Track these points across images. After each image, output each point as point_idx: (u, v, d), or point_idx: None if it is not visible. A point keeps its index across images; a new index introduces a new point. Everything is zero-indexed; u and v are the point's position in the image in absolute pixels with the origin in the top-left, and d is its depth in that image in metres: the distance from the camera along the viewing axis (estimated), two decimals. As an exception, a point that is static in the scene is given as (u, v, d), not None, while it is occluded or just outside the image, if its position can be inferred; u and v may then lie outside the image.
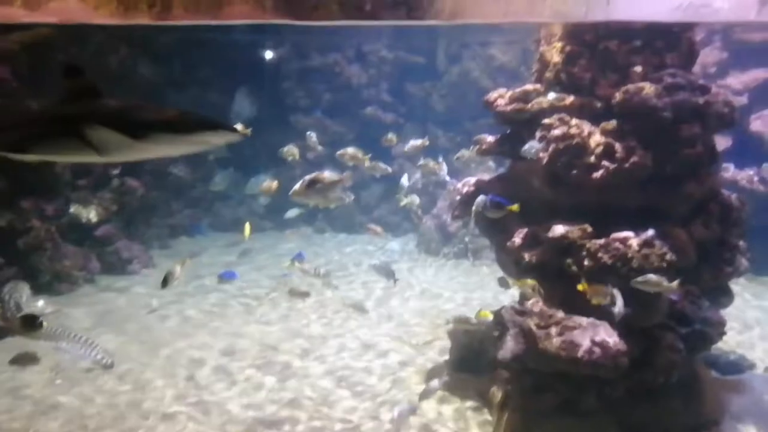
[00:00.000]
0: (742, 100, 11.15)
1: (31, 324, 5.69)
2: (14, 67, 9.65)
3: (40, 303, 8.27)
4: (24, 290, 6.90)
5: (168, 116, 3.44)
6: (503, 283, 7.23)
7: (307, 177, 6.08)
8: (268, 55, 15.18)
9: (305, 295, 8.85)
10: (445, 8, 6.42)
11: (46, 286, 9.69)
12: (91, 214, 10.75)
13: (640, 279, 5.18)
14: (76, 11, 5.60)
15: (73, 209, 10.57)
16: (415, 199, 11.34)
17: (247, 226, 9.15)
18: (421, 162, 10.48)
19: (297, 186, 6.00)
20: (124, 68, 12.31)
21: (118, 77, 12.13)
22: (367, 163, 8.83)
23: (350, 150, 8.74)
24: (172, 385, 6.93)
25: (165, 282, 6.25)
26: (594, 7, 6.32)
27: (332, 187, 6.13)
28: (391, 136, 10.36)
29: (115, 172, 11.52)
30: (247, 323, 8.82)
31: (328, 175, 6.14)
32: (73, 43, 11.22)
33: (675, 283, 5.17)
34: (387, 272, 7.95)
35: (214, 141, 3.53)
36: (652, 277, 5.15)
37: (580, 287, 5.24)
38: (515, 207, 5.92)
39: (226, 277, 8.92)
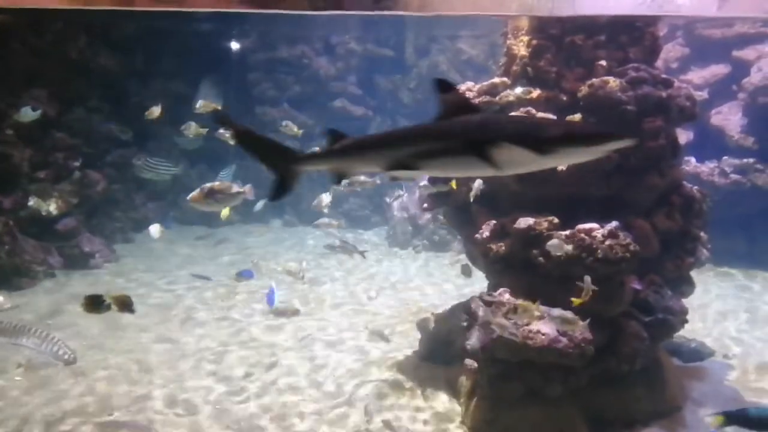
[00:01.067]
0: (703, 94, 11.40)
1: (97, 304, 5.43)
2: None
3: (0, 298, 8.00)
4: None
5: (574, 130, 3.60)
6: (466, 272, 7.30)
7: (207, 186, 6.06)
8: (234, 45, 14.95)
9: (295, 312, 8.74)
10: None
11: (5, 280, 9.42)
12: (51, 207, 10.45)
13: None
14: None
15: (32, 202, 10.24)
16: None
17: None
18: None
19: (195, 192, 6.03)
20: (84, 57, 11.99)
21: (77, 66, 11.82)
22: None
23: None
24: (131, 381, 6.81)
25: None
26: (561, 2, 6.39)
27: (231, 198, 6.11)
28: None
29: (76, 164, 11.21)
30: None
31: (228, 186, 6.11)
32: (31, 31, 10.88)
33: (570, 247, 5.45)
34: (349, 249, 8.06)
35: (613, 148, 3.47)
36: (555, 241, 5.49)
37: (575, 302, 5.25)
38: (453, 184, 6.37)
39: (244, 275, 8.82)
